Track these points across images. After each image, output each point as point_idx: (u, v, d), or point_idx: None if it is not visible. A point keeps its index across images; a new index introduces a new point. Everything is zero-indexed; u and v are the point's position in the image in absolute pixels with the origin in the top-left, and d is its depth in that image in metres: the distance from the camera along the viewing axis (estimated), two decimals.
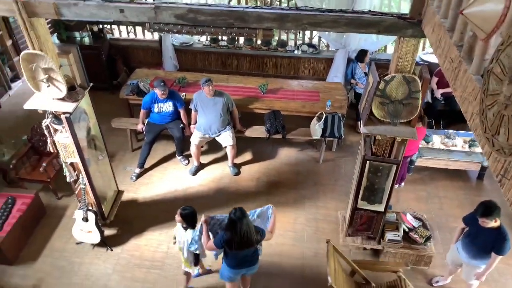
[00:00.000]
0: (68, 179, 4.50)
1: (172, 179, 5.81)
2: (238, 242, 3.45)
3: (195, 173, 5.87)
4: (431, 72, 5.99)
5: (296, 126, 6.02)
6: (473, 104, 1.79)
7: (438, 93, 6.35)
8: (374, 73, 3.47)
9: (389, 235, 4.55)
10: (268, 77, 6.93)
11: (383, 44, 7.21)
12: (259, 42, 7.49)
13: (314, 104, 6.05)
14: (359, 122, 6.47)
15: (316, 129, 5.64)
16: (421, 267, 4.68)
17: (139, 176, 5.80)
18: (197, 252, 3.89)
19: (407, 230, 4.65)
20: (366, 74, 6.24)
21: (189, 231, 3.81)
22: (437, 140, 5.67)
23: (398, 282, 4.09)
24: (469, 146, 5.57)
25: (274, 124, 5.80)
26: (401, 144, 3.82)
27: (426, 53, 7.17)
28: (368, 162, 3.94)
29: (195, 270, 4.15)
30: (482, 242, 3.79)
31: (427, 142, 5.60)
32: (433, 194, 5.66)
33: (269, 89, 6.28)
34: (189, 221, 3.78)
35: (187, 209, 3.76)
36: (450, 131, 5.79)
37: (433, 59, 6.86)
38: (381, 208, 4.35)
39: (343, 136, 5.81)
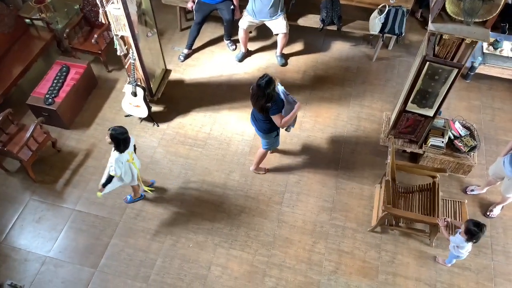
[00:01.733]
0: (118, 52, 4.55)
1: (219, 63, 5.76)
2: (251, 96, 3.89)
3: (241, 59, 5.77)
4: None
5: (353, 18, 5.60)
6: None
7: None
8: None
9: (433, 141, 4.47)
10: None
11: None
12: None
13: None
14: (422, 10, 6.00)
15: (375, 23, 5.23)
16: (459, 175, 4.67)
17: (187, 57, 5.78)
18: (112, 174, 3.72)
19: (452, 137, 4.54)
20: None
21: (115, 152, 3.66)
22: (507, 47, 5.18)
23: (430, 186, 4.12)
24: None
25: (330, 14, 5.41)
26: (469, 46, 3.50)
27: None
28: (427, 63, 3.68)
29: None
30: None
31: (496, 48, 5.13)
32: (487, 105, 5.37)
33: None
34: (114, 142, 3.59)
35: (116, 130, 3.55)
36: None
37: None
38: (430, 113, 4.20)
39: (403, 34, 5.37)
